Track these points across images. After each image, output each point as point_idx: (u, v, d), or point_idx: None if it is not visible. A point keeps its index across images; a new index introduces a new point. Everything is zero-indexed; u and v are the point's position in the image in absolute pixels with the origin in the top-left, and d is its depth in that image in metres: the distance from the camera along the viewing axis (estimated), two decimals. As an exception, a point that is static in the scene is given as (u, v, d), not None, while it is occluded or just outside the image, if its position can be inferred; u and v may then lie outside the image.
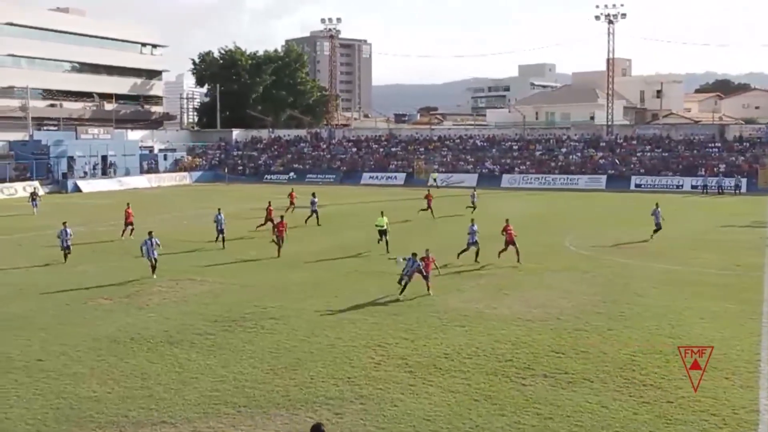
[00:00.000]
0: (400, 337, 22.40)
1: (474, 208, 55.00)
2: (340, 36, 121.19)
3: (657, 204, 43.40)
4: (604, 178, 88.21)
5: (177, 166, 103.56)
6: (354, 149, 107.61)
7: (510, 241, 34.51)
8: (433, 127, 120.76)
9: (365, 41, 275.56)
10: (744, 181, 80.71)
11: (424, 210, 53.75)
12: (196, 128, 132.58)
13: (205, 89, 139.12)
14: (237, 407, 16.81)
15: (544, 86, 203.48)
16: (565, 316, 24.98)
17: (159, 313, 25.59)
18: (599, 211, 60.32)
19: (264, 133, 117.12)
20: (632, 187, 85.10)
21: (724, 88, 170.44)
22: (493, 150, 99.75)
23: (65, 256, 36.06)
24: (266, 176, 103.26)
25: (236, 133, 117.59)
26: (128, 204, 45.87)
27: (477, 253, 35.00)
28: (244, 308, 25.93)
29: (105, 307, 26.73)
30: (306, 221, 48.80)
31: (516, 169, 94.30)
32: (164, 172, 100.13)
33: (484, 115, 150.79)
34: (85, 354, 20.81)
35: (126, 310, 26.17)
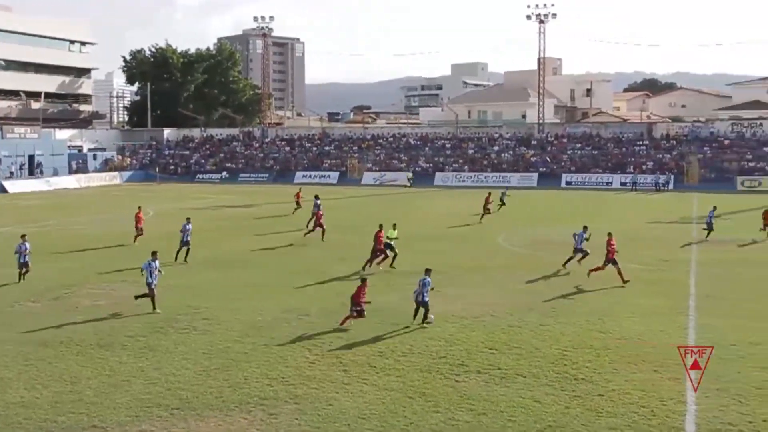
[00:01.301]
0: (335, 336, 22.36)
1: (503, 204, 57.08)
2: (273, 34, 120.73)
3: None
4: (535, 175, 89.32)
5: (107, 166, 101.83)
6: (287, 148, 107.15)
7: (611, 259, 30.17)
8: (366, 126, 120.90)
9: (298, 40, 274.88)
10: (671, 178, 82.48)
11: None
12: (126, 127, 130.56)
13: (135, 88, 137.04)
14: (169, 409, 16.59)
15: (476, 85, 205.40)
16: (498, 312, 25.21)
17: (89, 315, 25.11)
18: (531, 209, 61.01)
19: (196, 132, 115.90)
20: (563, 184, 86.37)
21: (651, 87, 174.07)
22: (426, 148, 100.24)
23: (22, 275, 30.66)
24: (198, 176, 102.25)
25: (167, 133, 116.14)
26: (139, 208, 42.93)
27: (583, 258, 32.65)
28: (177, 310, 25.59)
29: (33, 310, 26.16)
30: (308, 224, 47.13)
31: (449, 167, 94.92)
32: (94, 172, 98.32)
33: (417, 114, 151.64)
34: (12, 359, 20.32)
35: (55, 313, 25.62)
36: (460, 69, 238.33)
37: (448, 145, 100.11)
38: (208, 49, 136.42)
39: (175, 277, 30.88)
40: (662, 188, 79.76)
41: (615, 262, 29.88)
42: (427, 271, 24.35)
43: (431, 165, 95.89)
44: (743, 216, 55.34)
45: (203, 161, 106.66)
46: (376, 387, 18.02)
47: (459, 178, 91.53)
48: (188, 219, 36.46)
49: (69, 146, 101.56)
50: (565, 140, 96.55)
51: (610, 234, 30.76)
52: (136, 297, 25.79)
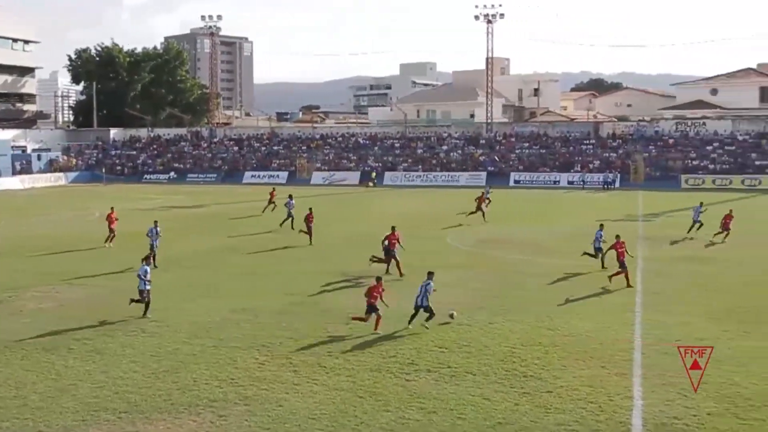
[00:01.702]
0: (285, 336, 22.27)
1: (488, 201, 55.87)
2: (221, 33, 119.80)
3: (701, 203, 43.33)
4: (484, 174, 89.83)
5: (52, 167, 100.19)
6: (236, 148, 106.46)
7: (621, 262, 29.55)
8: (315, 125, 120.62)
9: (246, 39, 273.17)
10: (617, 176, 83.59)
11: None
12: (71, 127, 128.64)
13: (81, 87, 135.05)
14: (117, 413, 16.40)
15: (425, 85, 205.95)
16: (448, 311, 25.28)
17: (34, 318, 24.71)
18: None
19: (143, 132, 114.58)
20: (511, 183, 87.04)
21: (598, 87, 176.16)
22: (376, 148, 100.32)
23: None
24: (146, 176, 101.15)
25: (114, 132, 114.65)
26: (112, 208, 41.82)
27: (603, 260, 32.35)
28: (125, 311, 25.24)
29: (-24, 313, 25.65)
30: (281, 224, 46.32)
31: (398, 167, 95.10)
32: (38, 172, 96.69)
33: (367, 114, 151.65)
34: (-46, 363, 19.91)
35: (-2, 316, 25.17)
36: (408, 69, 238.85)
37: (397, 145, 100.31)
38: (155, 48, 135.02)
39: (124, 280, 30.52)
40: (609, 186, 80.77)
41: (624, 266, 29.27)
42: (430, 275, 23.87)
43: (380, 164, 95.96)
44: (687, 214, 56.18)
45: (151, 161, 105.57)
46: (326, 387, 18.00)
47: (408, 177, 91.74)
48: (156, 222, 35.32)
49: (12, 147, 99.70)
50: (513, 139, 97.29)
51: (618, 236, 30.43)
52: (131, 301, 24.96)
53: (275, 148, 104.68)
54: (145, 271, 24.68)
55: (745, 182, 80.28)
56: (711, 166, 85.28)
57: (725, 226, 40.72)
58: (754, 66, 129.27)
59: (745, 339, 22.07)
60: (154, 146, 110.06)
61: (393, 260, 31.98)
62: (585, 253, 33.16)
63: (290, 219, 45.70)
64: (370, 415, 16.30)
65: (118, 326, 23.52)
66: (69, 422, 15.95)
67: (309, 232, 40.64)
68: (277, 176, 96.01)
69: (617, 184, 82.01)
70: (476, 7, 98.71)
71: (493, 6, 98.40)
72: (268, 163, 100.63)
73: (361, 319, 23.03)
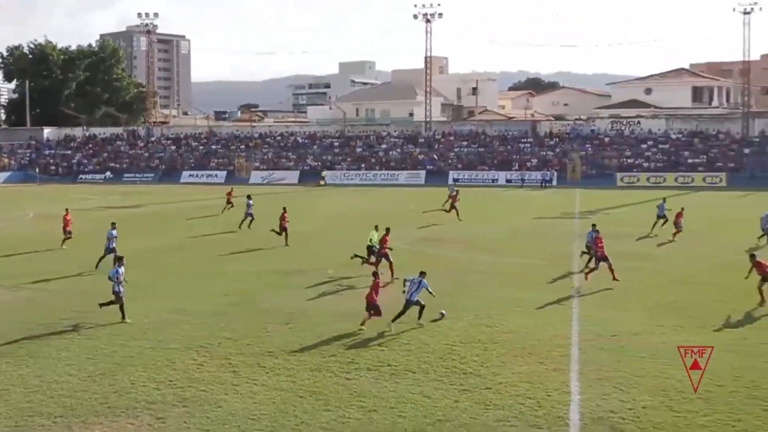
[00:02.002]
0: (223, 337, 22.09)
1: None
2: (158, 31, 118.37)
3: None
4: (423, 173, 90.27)
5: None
6: (173, 147, 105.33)
7: (600, 256, 29.45)
8: (254, 124, 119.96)
9: (184, 37, 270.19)
10: (554, 174, 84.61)
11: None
12: (3, 126, 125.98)
13: (13, 85, 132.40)
14: (52, 418, 16.09)
15: (364, 83, 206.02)
16: (388, 309, 25.27)
17: (-35, 322, 24.13)
18: (419, 206, 61.50)
19: (78, 132, 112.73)
20: (450, 181, 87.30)
21: (535, 86, 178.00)
22: (315, 147, 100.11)
23: None
24: (81, 176, 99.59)
25: (48, 132, 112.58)
26: (67, 210, 40.78)
27: (590, 260, 32.13)
28: (60, 314, 24.80)
29: None
30: (240, 225, 45.72)
31: (337, 165, 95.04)
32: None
33: (306, 113, 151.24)
34: None
35: (-72, 320, 24.52)
36: (347, 67, 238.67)
37: (336, 144, 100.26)
38: (90, 45, 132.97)
39: (61, 282, 29.98)
40: (547, 185, 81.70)
41: (606, 259, 29.18)
42: (422, 274, 23.89)
43: (319, 163, 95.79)
44: (622, 211, 57.19)
45: (86, 161, 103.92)
46: (266, 387, 17.90)
47: (347, 176, 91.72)
48: (113, 224, 34.20)
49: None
50: (451, 138, 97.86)
51: (597, 231, 30.37)
52: (101, 305, 24.28)
53: (213, 147, 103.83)
54: (117, 273, 24.13)
55: (679, 180, 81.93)
56: (645, 164, 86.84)
57: (676, 224, 41.43)
58: (687, 66, 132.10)
59: (679, 333, 22.50)
60: (90, 146, 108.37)
61: (387, 262, 31.26)
62: (584, 252, 33.04)
63: (249, 219, 45.40)
64: (311, 414, 16.26)
65: (54, 329, 23.08)
66: (1, 428, 15.60)
67: (283, 232, 39.54)
68: (215, 176, 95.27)
69: (554, 183, 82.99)
70: (415, 6, 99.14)
71: (431, 5, 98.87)
72: (206, 162, 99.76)
73: (375, 315, 22.88)
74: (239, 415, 16.17)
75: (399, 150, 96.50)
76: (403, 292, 23.57)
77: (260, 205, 54.04)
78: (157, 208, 60.44)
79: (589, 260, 31.48)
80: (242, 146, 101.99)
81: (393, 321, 22.91)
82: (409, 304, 23.18)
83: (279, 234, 39.46)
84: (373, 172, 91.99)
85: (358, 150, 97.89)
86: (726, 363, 19.49)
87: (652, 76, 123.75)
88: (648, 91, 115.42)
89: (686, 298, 26.91)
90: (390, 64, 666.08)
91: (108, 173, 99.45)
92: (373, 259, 31.82)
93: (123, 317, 23.90)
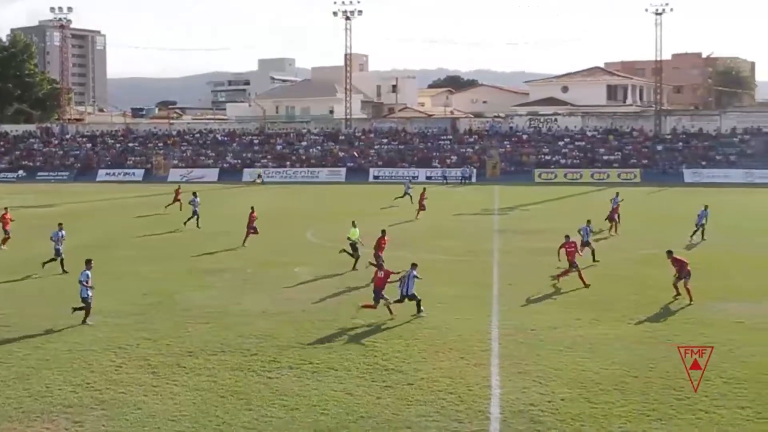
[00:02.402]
0: (142, 337, 21.75)
1: (406, 196, 57.06)
2: (72, 26, 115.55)
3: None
4: (343, 170, 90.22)
5: None
6: (89, 145, 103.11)
7: (571, 261, 28.62)
8: (172, 121, 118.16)
9: (99, 32, 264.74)
10: (474, 171, 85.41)
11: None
12: None
13: None
14: (-36, 423, 15.65)
15: (284, 81, 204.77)
16: (309, 307, 25.32)
17: None
18: (340, 204, 61.49)
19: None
20: (371, 179, 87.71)
21: (454, 83, 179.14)
22: (234, 144, 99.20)
23: None
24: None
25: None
26: (6, 209, 39.64)
27: (593, 253, 32.92)
28: (-31, 317, 24.10)
29: None
30: (185, 223, 44.80)
31: (257, 163, 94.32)
32: None
33: (225, 110, 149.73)
34: None
35: None
36: (267, 64, 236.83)
37: (256, 141, 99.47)
38: (0, 40, 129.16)
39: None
40: (466, 181, 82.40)
41: (574, 264, 28.52)
42: (413, 266, 24.21)
43: (239, 161, 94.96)
44: (541, 207, 58.08)
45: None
46: (186, 388, 17.70)
47: (267, 174, 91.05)
48: (60, 225, 33.20)
49: None
50: (372, 135, 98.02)
51: (567, 236, 29.50)
52: (74, 309, 23.57)
53: (130, 145, 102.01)
54: (87, 276, 23.45)
55: (595, 176, 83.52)
56: (562, 161, 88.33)
57: (611, 218, 42.20)
58: (602, 65, 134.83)
59: (595, 326, 22.98)
60: (1, 143, 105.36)
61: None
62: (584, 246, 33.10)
63: (196, 217, 44.76)
64: (232, 414, 16.13)
65: (-36, 332, 22.41)
66: None
67: (254, 232, 38.61)
68: (133, 174, 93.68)
69: (474, 179, 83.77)
70: (334, 3, 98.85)
71: (351, 2, 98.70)
72: (123, 160, 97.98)
73: (370, 307, 23.53)
74: (159, 417, 15.95)
75: (319, 147, 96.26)
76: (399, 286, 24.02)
77: (177, 204, 53.35)
78: (72, 207, 59.06)
79: (592, 253, 32.42)
80: (160, 144, 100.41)
81: (361, 306, 23.82)
82: (403, 298, 23.79)
83: (255, 233, 38.69)
84: (294, 170, 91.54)
85: (278, 147, 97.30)
86: (641, 354, 20.01)
87: (568, 74, 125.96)
88: (565, 89, 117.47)
89: (604, 292, 27.44)
90: (310, 61, 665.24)
91: (21, 172, 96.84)
92: (358, 254, 32.22)
93: (84, 320, 23.33)
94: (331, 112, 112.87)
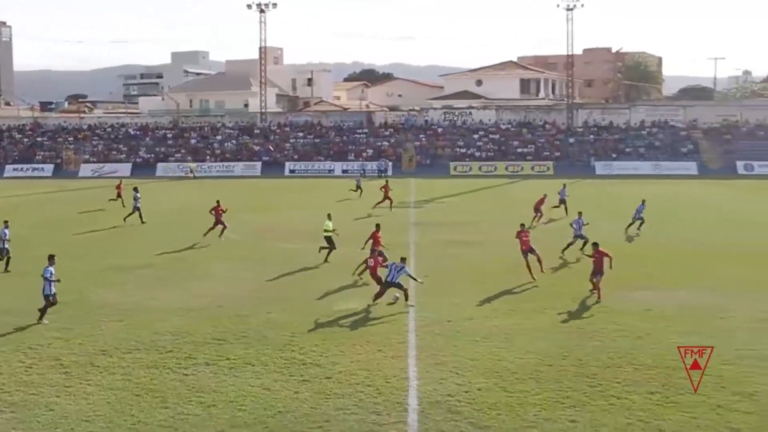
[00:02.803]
0: (53, 336, 21.25)
1: (360, 190, 58.09)
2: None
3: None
4: (259, 164, 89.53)
5: None
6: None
7: (527, 250, 28.72)
8: (82, 115, 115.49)
9: (5, 23, 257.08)
10: (390, 164, 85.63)
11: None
12: None
13: None
14: None
15: (198, 74, 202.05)
16: (225, 303, 25.10)
17: None
18: (256, 197, 61.04)
19: None
20: (287, 172, 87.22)
21: (370, 77, 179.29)
22: (147, 139, 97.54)
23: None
24: None
25: None
26: None
27: (584, 245, 32.15)
28: None
29: None
30: (125, 219, 44.00)
31: (171, 157, 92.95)
32: None
33: (137, 103, 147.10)
34: None
35: None
36: (180, 57, 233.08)
37: (169, 135, 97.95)
38: None
39: None
40: (383, 174, 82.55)
41: (531, 252, 28.54)
42: (403, 260, 24.91)
43: (152, 155, 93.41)
44: (457, 200, 58.62)
45: None
46: (100, 387, 17.37)
47: (182, 168, 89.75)
48: (6, 223, 32.10)
49: None
50: (287, 129, 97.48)
51: (522, 225, 29.79)
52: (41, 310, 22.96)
53: (39, 139, 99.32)
54: (51, 273, 22.92)
55: (509, 168, 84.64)
56: (477, 154, 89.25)
57: (536, 209, 42.94)
58: (515, 59, 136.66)
59: (511, 316, 23.33)
60: None
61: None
62: (568, 246, 33.16)
63: (138, 213, 44.17)
64: (147, 413, 15.90)
65: None
66: None
67: (220, 225, 38.30)
68: (42, 169, 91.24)
69: (390, 172, 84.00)
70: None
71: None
72: (31, 155, 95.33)
73: (380, 294, 24.27)
74: (72, 418, 15.63)
75: (234, 141, 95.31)
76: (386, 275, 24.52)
77: (87, 200, 52.27)
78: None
79: (584, 245, 32.22)
80: (70, 138, 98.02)
81: (374, 301, 24.33)
82: (389, 284, 24.20)
83: (214, 226, 38.26)
84: (208, 164, 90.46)
85: (193, 142, 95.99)
86: (555, 343, 20.40)
87: (482, 68, 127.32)
88: (479, 82, 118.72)
89: (518, 283, 27.85)
90: (224, 54, 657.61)
91: None
92: (334, 246, 32.36)
93: (40, 318, 22.84)
94: (246, 105, 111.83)
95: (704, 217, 44.57)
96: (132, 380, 17.80)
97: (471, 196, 60.36)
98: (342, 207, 50.05)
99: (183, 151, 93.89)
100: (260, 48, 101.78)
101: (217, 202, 39.39)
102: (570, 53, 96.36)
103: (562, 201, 46.75)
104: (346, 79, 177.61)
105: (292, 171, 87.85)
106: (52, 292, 23.00)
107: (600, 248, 25.77)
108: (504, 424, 15.28)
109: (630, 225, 39.68)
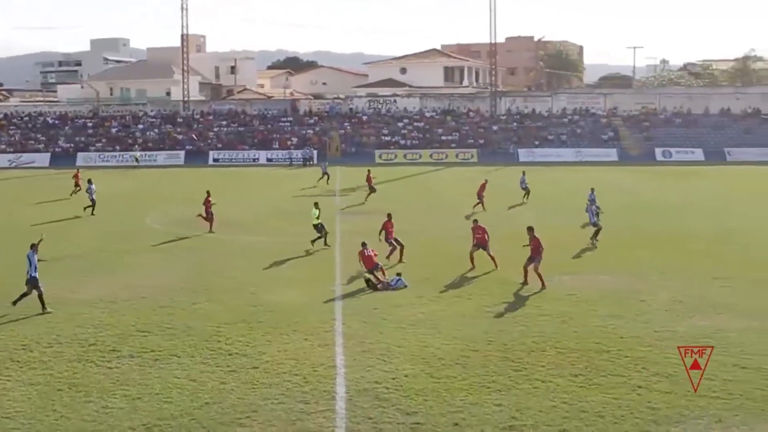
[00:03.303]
0: (-29, 331, 20.72)
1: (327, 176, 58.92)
2: None
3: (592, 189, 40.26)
4: (182, 153, 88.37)
5: None
6: None
7: (480, 244, 28.45)
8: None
9: None
10: (315, 152, 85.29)
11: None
12: None
13: None
14: None
15: (118, 62, 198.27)
16: (150, 294, 24.76)
17: None
18: (179, 187, 60.29)
19: None
20: (211, 161, 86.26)
21: (294, 65, 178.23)
22: (67, 128, 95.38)
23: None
24: None
25: None
26: None
27: (597, 233, 33.03)
28: None
29: None
30: (85, 209, 43.03)
31: (92, 147, 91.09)
32: None
33: (56, 92, 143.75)
34: None
35: None
36: (100, 44, 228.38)
37: (90, 124, 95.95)
38: None
39: None
40: (309, 163, 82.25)
41: (485, 247, 28.21)
42: (398, 275, 25.87)
43: (72, 145, 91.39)
44: (382, 187, 58.70)
45: None
46: (20, 383, 16.99)
47: (103, 157, 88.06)
48: None
49: None
50: (211, 117, 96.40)
51: (475, 221, 29.44)
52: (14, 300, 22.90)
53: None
54: (33, 256, 23.08)
55: (433, 156, 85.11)
56: (402, 142, 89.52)
57: (479, 196, 43.38)
58: (439, 47, 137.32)
59: (436, 303, 23.53)
60: None
61: (399, 247, 30.22)
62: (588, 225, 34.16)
63: (92, 205, 43.40)
64: (71, 408, 15.62)
65: None
66: None
67: (209, 219, 37.40)
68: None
69: (315, 160, 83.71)
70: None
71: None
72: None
73: (375, 285, 25.16)
74: (-9, 414, 15.26)
75: (157, 130, 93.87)
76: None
77: (5, 191, 51.02)
78: None
79: (596, 232, 32.89)
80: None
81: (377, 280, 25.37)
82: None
83: (206, 219, 37.41)
84: (130, 153, 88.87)
85: (114, 130, 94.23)
86: (480, 329, 20.64)
87: (406, 56, 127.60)
88: (403, 70, 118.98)
89: (444, 270, 28.05)
90: (145, 42, 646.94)
91: None
92: (325, 230, 32.60)
93: (44, 309, 22.69)
94: (168, 94, 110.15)
95: (624, 204, 45.45)
96: (54, 375, 17.46)
97: (396, 184, 60.51)
98: (274, 194, 49.71)
99: (104, 140, 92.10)
100: (182, 35, 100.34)
101: (208, 193, 38.62)
102: (493, 41, 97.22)
103: (524, 188, 48.37)
104: (269, 67, 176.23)
105: (215, 160, 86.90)
106: (35, 275, 22.91)
107: (535, 233, 25.91)
108: (431, 409, 15.41)
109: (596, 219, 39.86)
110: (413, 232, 36.95)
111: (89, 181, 45.26)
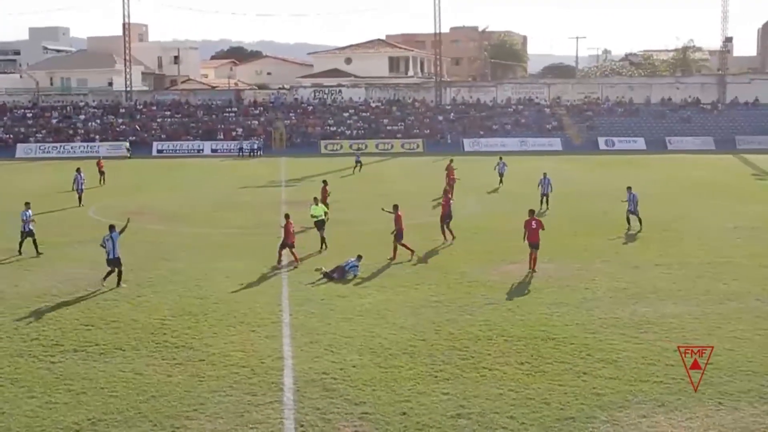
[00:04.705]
0: None
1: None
2: None
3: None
4: (126, 144, 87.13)
5: None
6: None
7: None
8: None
9: None
10: (262, 143, 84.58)
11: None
12: None
13: None
14: None
15: (58, 51, 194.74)
16: (93, 287, 24.42)
17: None
18: (126, 178, 59.45)
19: None
20: (155, 152, 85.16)
21: (238, 55, 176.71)
22: (5, 118, 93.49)
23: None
24: None
25: None
26: None
27: (640, 221, 33.82)
28: None
29: None
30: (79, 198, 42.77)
31: (31, 138, 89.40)
32: None
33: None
34: None
35: None
36: (39, 33, 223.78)
37: (29, 115, 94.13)
38: None
39: None
40: (255, 153, 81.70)
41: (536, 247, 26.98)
42: (359, 257, 26.13)
43: (11, 136, 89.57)
44: (328, 178, 58.57)
45: None
46: (-40, 378, 16.67)
47: (43, 149, 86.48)
48: (27, 204, 30.16)
49: None
50: (154, 108, 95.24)
51: (531, 211, 28.41)
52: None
53: None
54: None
55: (379, 146, 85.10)
56: (348, 132, 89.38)
57: (450, 183, 43.65)
58: (384, 37, 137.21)
59: (383, 293, 23.59)
60: None
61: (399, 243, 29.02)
62: (630, 214, 34.20)
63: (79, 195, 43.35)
64: (13, 403, 15.36)
65: None
66: None
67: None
68: None
69: (261, 152, 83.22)
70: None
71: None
72: None
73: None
74: (-70, 412, 14.95)
75: (99, 121, 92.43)
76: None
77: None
78: None
79: (639, 221, 33.68)
80: None
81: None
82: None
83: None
84: (72, 144, 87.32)
85: (54, 121, 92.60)
86: (427, 318, 20.76)
87: (351, 46, 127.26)
88: (348, 60, 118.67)
89: (390, 260, 28.12)
90: (86, 31, 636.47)
91: None
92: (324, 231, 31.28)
93: (119, 283, 24.42)
94: (110, 84, 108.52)
95: (567, 192, 45.92)
96: (-5, 370, 17.16)
97: (342, 175, 60.42)
98: (219, 185, 49.30)
99: (44, 131, 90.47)
100: (124, 24, 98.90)
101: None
102: (438, 32, 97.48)
103: (501, 175, 49.94)
104: (213, 57, 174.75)
105: (159, 151, 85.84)
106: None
107: (399, 212, 28.41)
108: (379, 399, 15.47)
109: (543, 201, 40.44)
110: (359, 221, 37.03)
111: (78, 171, 44.80)
